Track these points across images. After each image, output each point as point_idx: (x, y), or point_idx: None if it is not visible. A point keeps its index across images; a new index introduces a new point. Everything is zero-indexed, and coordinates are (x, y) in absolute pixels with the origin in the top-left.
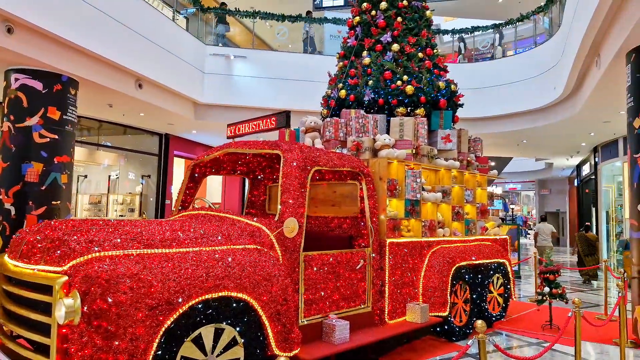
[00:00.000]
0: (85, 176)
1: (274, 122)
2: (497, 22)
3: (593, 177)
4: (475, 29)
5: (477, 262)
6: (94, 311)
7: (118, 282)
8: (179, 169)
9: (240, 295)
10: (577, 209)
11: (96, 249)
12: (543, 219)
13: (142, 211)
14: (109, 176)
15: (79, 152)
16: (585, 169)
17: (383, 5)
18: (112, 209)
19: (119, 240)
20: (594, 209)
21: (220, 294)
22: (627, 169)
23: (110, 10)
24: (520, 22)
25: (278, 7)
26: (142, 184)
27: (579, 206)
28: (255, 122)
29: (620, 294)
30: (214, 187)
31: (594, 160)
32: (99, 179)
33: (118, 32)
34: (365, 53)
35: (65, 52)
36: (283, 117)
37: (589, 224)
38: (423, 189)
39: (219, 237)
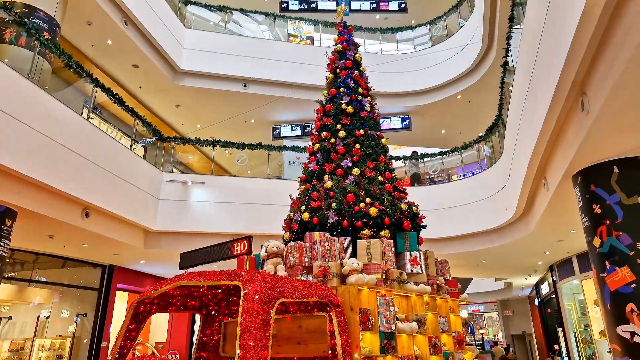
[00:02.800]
0: (10, 317)
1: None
2: (443, 149)
3: (553, 295)
4: (424, 155)
5: None
6: None
7: None
8: (121, 305)
9: None
10: (543, 330)
11: None
12: (495, 343)
13: None
14: (38, 316)
15: (6, 289)
16: (544, 288)
17: (341, 134)
18: (36, 357)
19: None
20: (560, 330)
21: None
22: (596, 289)
23: (59, 138)
24: (464, 150)
25: (239, 136)
26: (76, 323)
27: (543, 327)
28: (210, 250)
29: None
30: (159, 322)
31: (552, 278)
32: (25, 320)
33: (67, 159)
34: (326, 177)
35: (4, 181)
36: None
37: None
38: (397, 319)
39: None
